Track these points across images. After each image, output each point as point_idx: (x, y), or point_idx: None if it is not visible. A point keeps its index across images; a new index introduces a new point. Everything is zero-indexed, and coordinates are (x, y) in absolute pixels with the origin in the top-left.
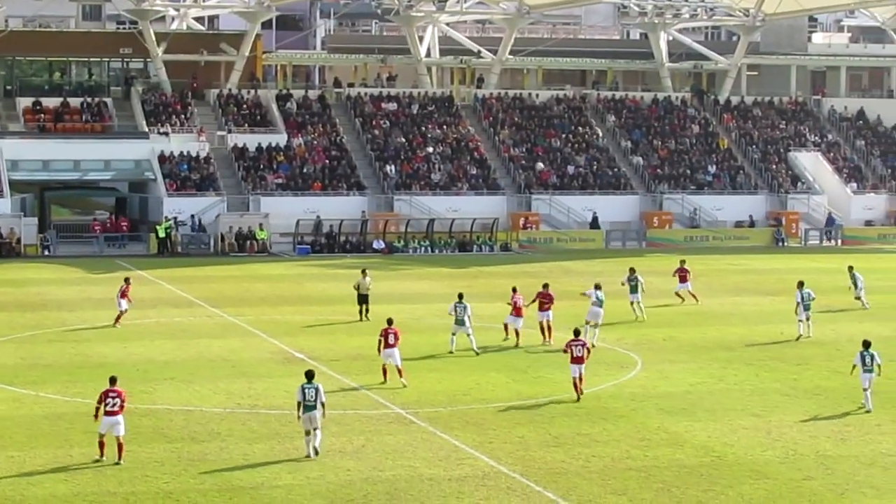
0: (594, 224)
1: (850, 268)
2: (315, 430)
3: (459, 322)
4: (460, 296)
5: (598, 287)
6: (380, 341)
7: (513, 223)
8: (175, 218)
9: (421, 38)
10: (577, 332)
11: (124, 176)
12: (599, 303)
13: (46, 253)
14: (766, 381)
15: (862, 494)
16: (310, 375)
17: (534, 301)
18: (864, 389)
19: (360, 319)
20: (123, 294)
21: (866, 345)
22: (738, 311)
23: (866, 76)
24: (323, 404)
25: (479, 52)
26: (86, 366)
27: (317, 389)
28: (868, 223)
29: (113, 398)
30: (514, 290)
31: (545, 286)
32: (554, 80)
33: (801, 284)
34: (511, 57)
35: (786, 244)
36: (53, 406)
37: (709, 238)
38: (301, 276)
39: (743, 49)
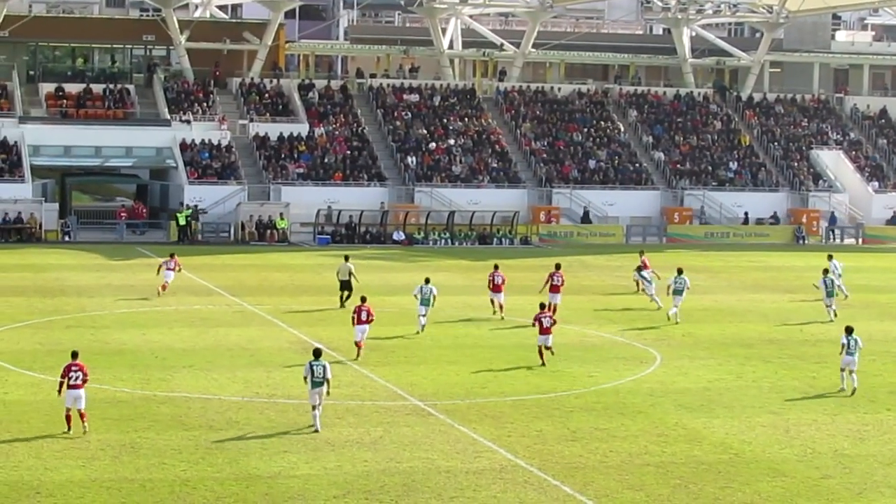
0: (585, 218)
1: (830, 257)
2: (318, 406)
3: (425, 303)
4: (427, 280)
5: (680, 272)
6: (353, 318)
7: (533, 216)
8: (195, 206)
9: (444, 30)
10: (542, 306)
11: (145, 163)
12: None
13: (66, 239)
14: (784, 379)
15: (879, 494)
16: (317, 353)
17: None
18: (842, 370)
19: (341, 306)
20: (169, 267)
21: (849, 331)
22: (756, 308)
23: (889, 75)
24: (328, 381)
25: (502, 45)
26: (104, 352)
27: (324, 367)
28: (890, 222)
29: (75, 372)
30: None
31: (557, 266)
32: (576, 75)
33: (826, 272)
34: (533, 50)
35: (806, 242)
36: None
37: (729, 234)
38: (320, 266)
39: (766, 46)
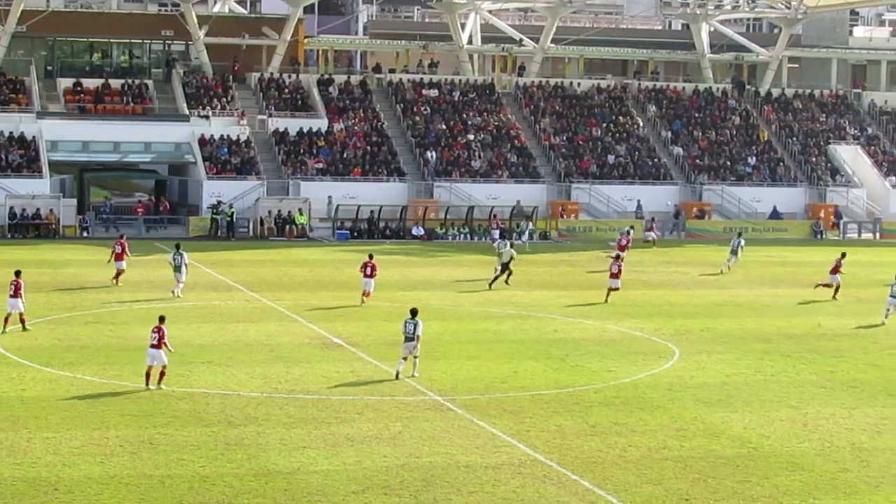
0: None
1: (739, 234)
2: (414, 357)
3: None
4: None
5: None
6: (361, 271)
7: (552, 211)
8: (219, 201)
9: (463, 25)
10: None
11: (164, 158)
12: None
13: (85, 234)
14: (802, 373)
15: None
16: (413, 312)
17: None
18: (887, 310)
19: (506, 282)
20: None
21: None
22: (775, 302)
23: None
24: (418, 336)
25: (521, 40)
26: (123, 348)
27: (415, 324)
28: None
29: (154, 334)
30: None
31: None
32: (595, 70)
33: (739, 234)
34: (553, 45)
35: (824, 237)
36: (90, 388)
37: (747, 230)
38: (340, 262)
39: (784, 41)
